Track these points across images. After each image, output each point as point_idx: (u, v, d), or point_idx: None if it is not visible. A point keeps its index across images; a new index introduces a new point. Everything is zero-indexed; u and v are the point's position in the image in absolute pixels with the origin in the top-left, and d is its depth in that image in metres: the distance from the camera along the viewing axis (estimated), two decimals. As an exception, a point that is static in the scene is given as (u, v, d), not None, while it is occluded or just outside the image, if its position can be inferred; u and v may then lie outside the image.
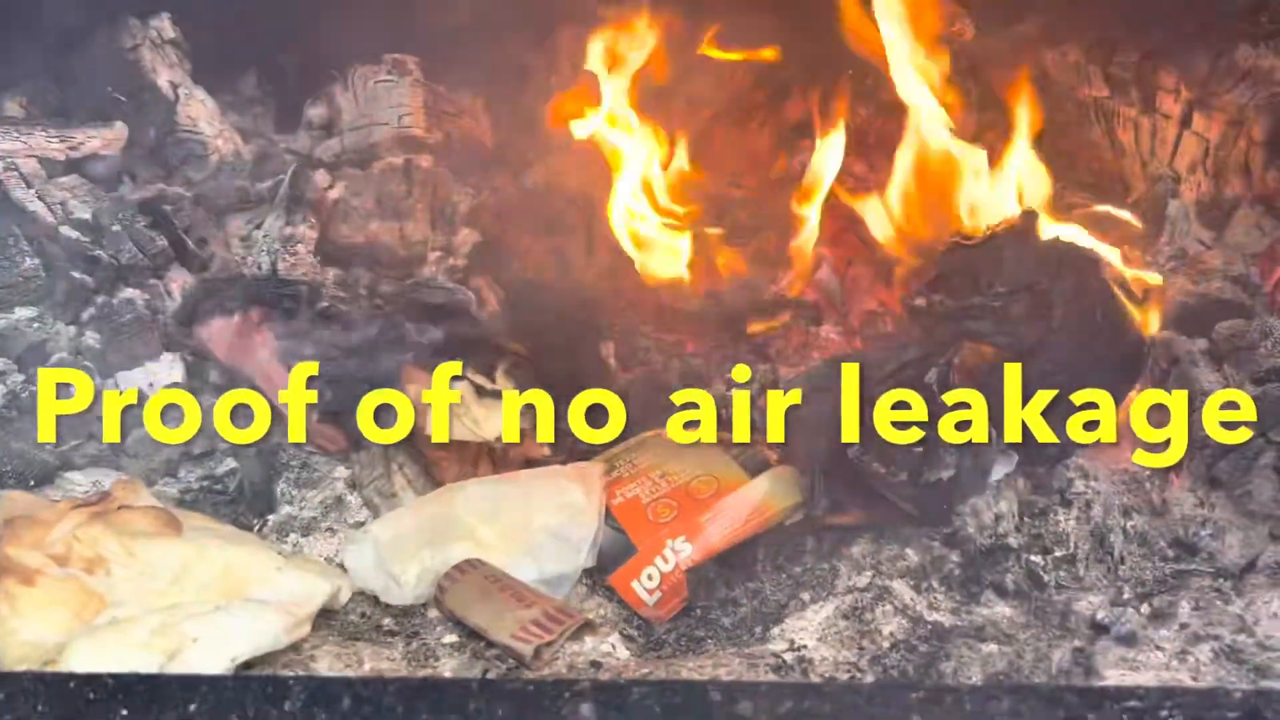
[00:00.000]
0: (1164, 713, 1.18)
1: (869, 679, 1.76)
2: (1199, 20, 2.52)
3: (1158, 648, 1.79)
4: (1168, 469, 2.20)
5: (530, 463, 2.20)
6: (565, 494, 2.07)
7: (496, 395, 2.23)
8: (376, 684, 1.43)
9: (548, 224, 2.93)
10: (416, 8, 3.05)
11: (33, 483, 2.03)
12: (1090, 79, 2.79)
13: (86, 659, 1.53)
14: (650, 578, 2.00)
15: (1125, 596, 1.92)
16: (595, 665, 1.82)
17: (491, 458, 2.21)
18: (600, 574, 2.04)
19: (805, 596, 1.99)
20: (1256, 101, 2.40)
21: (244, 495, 2.21)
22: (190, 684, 1.43)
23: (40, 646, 1.57)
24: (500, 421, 2.19)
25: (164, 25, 2.98)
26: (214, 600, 1.71)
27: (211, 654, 1.59)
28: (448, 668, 1.82)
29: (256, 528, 2.14)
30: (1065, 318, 2.14)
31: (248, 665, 1.66)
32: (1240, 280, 2.34)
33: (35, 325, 2.33)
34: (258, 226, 2.87)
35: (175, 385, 2.31)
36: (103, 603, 1.67)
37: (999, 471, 2.04)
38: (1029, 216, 2.19)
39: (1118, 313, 2.17)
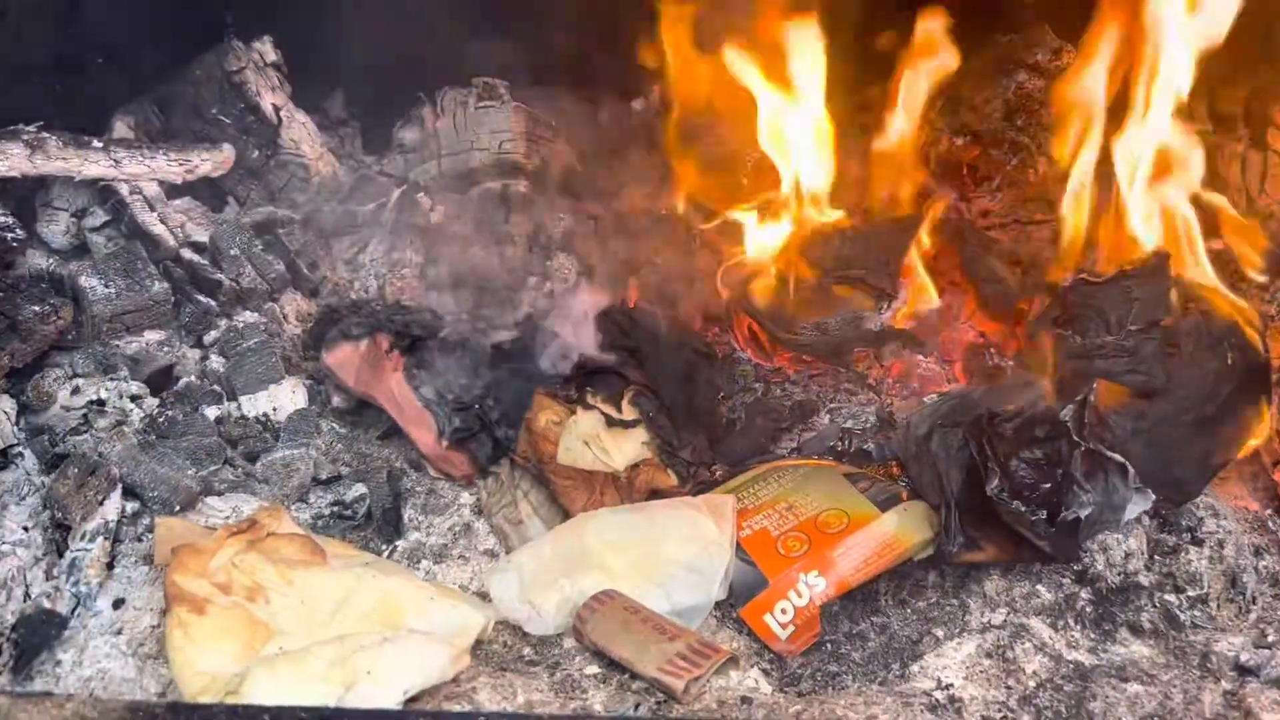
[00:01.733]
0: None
1: (1025, 720, 1.77)
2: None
3: (1311, 692, 1.80)
4: (1286, 510, 2.23)
5: (656, 493, 2.21)
6: (696, 525, 2.08)
7: (623, 425, 2.24)
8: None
9: (647, 251, 2.93)
10: (502, 31, 3.08)
11: (178, 508, 2.04)
12: (1191, 113, 2.79)
13: (267, 690, 1.54)
14: (784, 611, 2.00)
15: (1269, 638, 1.93)
16: (746, 701, 1.82)
17: (616, 486, 2.21)
18: (729, 605, 2.05)
19: (939, 633, 2.00)
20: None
21: (372, 520, 2.22)
22: (381, 719, 1.45)
23: (219, 677, 1.58)
24: (629, 450, 2.21)
25: (266, 48, 3.01)
26: (375, 631, 1.72)
27: (385, 686, 1.60)
28: (596, 700, 1.83)
29: (386, 553, 2.15)
30: (1194, 354, 2.16)
31: (414, 698, 1.66)
32: (1363, 319, 2.35)
33: (164, 349, 2.35)
34: (362, 250, 2.89)
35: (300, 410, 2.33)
36: (269, 632, 1.68)
37: (1134, 510, 2.05)
38: (1161, 256, 2.20)
39: (1244, 348, 2.18)
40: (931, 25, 2.70)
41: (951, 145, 3.11)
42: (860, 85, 3.01)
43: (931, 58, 2.76)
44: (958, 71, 3.11)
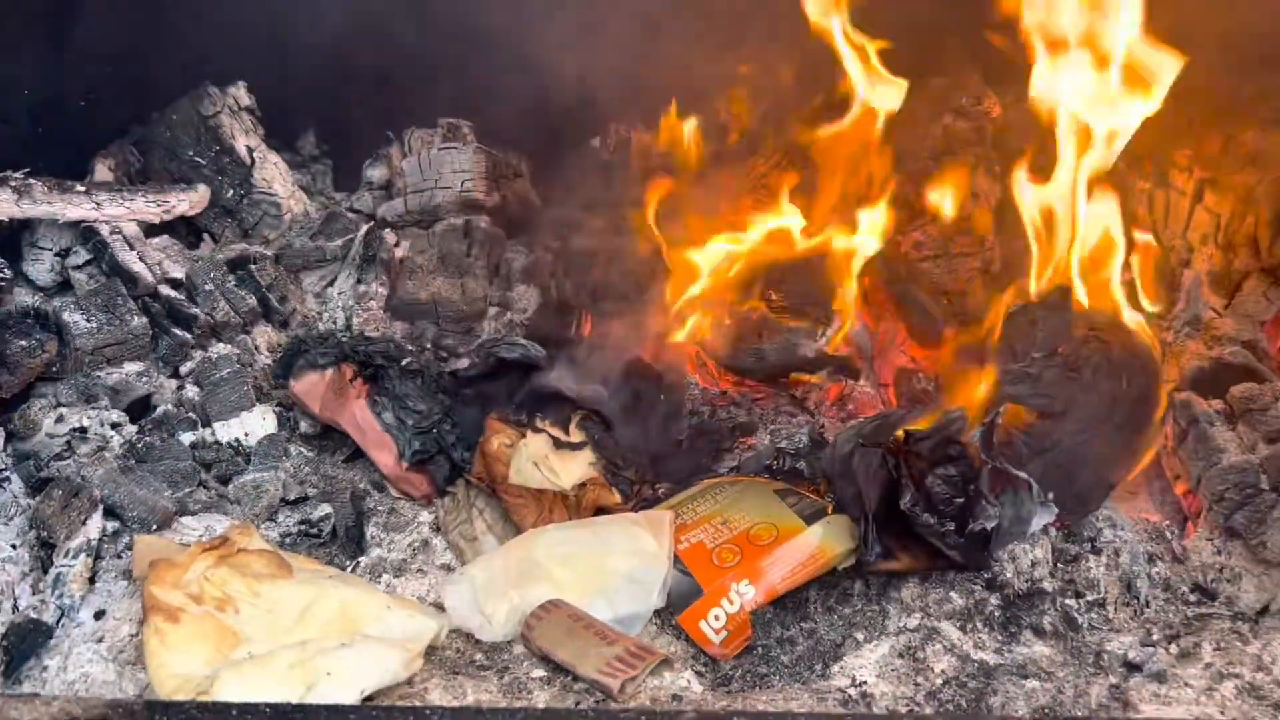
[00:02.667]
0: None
1: (928, 712, 1.94)
2: (1210, 104, 2.73)
3: (1186, 685, 1.98)
4: (1186, 519, 2.41)
5: (602, 510, 2.38)
6: (637, 540, 2.24)
7: (571, 447, 2.41)
8: (525, 714, 1.61)
9: (598, 282, 3.09)
10: (466, 73, 3.25)
11: (155, 527, 2.20)
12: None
13: (234, 690, 1.71)
14: (717, 618, 2.17)
15: (1154, 638, 2.11)
16: (676, 698, 1.99)
17: (565, 504, 2.38)
18: (668, 614, 2.21)
19: (859, 636, 2.17)
20: (1264, 184, 2.61)
21: (337, 538, 2.38)
22: (338, 713, 1.61)
23: (191, 679, 1.74)
24: (576, 471, 2.38)
25: (240, 93, 3.18)
26: (336, 637, 1.88)
27: (343, 686, 1.76)
28: (541, 699, 1.99)
29: (349, 568, 2.31)
30: (1093, 380, 2.34)
31: (369, 697, 1.83)
32: (1251, 346, 2.54)
33: (143, 379, 2.51)
34: (330, 284, 3.06)
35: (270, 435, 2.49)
36: (238, 638, 1.84)
37: (1039, 522, 2.22)
38: (1062, 290, 2.39)
39: (1140, 375, 2.37)
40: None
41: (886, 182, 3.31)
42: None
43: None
44: (894, 114, 3.33)
